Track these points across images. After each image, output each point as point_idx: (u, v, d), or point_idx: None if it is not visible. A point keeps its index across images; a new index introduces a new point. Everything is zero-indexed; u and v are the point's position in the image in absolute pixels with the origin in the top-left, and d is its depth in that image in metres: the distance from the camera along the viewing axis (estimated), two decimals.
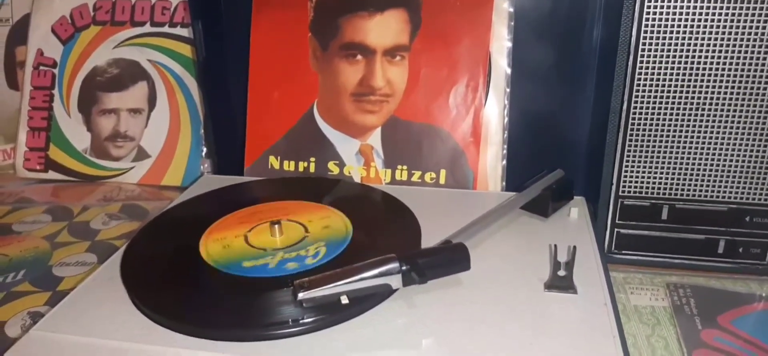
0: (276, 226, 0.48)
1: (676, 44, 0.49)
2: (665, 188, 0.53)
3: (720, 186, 0.53)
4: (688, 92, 0.50)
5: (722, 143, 0.51)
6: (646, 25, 0.49)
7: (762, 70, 0.48)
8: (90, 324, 0.40)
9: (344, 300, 0.39)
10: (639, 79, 0.50)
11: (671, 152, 0.52)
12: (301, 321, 0.39)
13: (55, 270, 0.58)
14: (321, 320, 0.39)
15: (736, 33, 0.48)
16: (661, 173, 0.53)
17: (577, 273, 0.43)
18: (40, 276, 0.57)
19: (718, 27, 0.48)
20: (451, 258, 0.43)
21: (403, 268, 0.40)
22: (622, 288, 0.53)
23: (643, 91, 0.51)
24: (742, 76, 0.49)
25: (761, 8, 0.47)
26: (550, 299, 0.42)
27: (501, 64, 0.61)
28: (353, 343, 0.38)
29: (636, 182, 0.54)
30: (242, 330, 0.39)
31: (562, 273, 0.43)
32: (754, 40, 0.48)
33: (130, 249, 0.49)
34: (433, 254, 0.43)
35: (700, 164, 0.52)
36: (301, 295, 0.38)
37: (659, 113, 0.51)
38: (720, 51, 0.49)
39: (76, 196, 0.74)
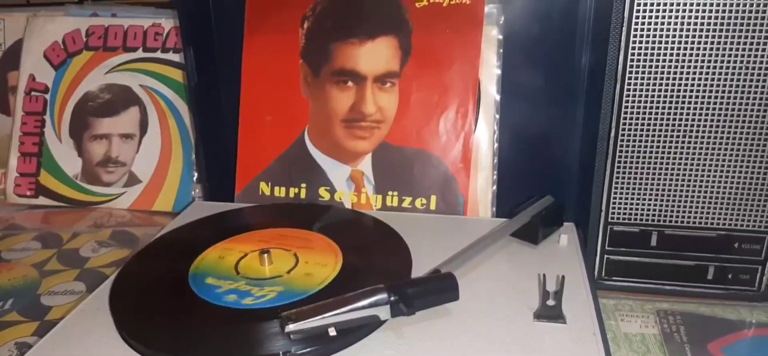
0: (265, 255, 0.48)
1: (663, 71, 0.49)
2: (654, 215, 0.54)
3: (709, 212, 0.53)
4: (675, 118, 0.50)
5: (710, 170, 0.51)
6: (633, 53, 0.49)
7: (748, 97, 0.49)
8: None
9: (332, 331, 0.39)
10: (626, 106, 0.51)
11: (660, 179, 0.52)
12: (288, 354, 0.38)
13: (43, 299, 0.57)
14: (308, 352, 0.39)
15: (722, 60, 0.48)
16: (650, 199, 0.53)
17: (567, 301, 0.43)
18: (28, 305, 0.56)
19: (703, 54, 0.48)
20: (440, 288, 0.43)
21: (392, 299, 0.40)
22: (612, 315, 0.53)
23: (631, 118, 0.51)
24: (728, 102, 0.49)
25: (745, 36, 0.47)
26: (539, 328, 0.41)
27: (490, 91, 0.61)
28: None
29: (625, 208, 0.54)
30: None
31: (551, 302, 0.43)
32: (740, 67, 0.48)
33: (120, 279, 0.48)
34: (422, 284, 0.43)
35: (688, 191, 0.52)
36: (288, 327, 0.38)
37: (647, 140, 0.51)
38: (706, 77, 0.49)
39: (66, 222, 0.74)
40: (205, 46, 0.66)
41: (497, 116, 0.61)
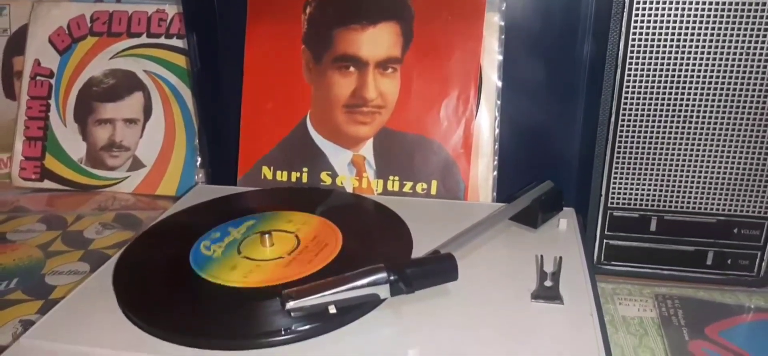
0: (266, 236, 0.48)
1: (663, 58, 0.50)
2: (654, 200, 0.54)
3: (708, 198, 0.53)
4: (675, 104, 0.51)
5: (710, 155, 0.52)
6: (633, 40, 0.50)
7: (748, 82, 0.49)
8: (80, 332, 0.40)
9: (332, 309, 0.39)
10: (627, 93, 0.51)
11: (659, 164, 0.53)
12: (289, 331, 0.39)
13: (47, 279, 0.58)
14: (308, 329, 0.39)
15: (722, 46, 0.49)
16: (650, 184, 0.54)
17: (565, 283, 0.43)
18: (32, 285, 0.57)
19: (703, 41, 0.49)
20: (439, 268, 0.43)
21: (391, 278, 0.41)
22: (610, 298, 0.53)
23: (631, 104, 0.51)
24: (728, 88, 0.50)
25: (746, 22, 0.48)
26: (537, 309, 0.42)
27: (492, 77, 0.61)
28: (340, 353, 0.38)
29: (625, 193, 0.54)
30: (230, 339, 0.39)
31: (548, 283, 0.43)
32: (740, 53, 0.48)
33: (123, 259, 0.49)
34: (421, 264, 0.43)
35: (688, 176, 0.53)
36: (289, 304, 0.39)
37: (647, 126, 0.52)
38: (706, 64, 0.49)
39: (70, 205, 0.75)
40: (208, 32, 0.67)
41: (498, 103, 0.62)
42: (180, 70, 0.77)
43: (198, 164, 0.76)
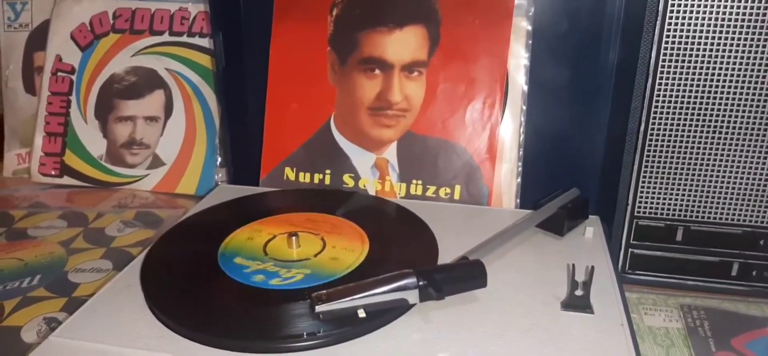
0: (293, 238, 0.48)
1: (695, 67, 0.49)
2: (680, 210, 0.54)
3: (735, 209, 0.53)
4: (705, 115, 0.50)
5: (738, 166, 0.51)
6: (666, 48, 0.49)
7: None
8: (109, 331, 0.41)
9: (361, 313, 0.39)
10: (657, 101, 0.51)
11: (687, 174, 0.52)
12: (317, 335, 0.39)
13: (70, 276, 0.58)
14: (338, 333, 0.39)
15: (754, 57, 0.48)
16: (677, 194, 0.53)
17: (593, 292, 0.43)
18: (55, 282, 0.57)
19: (735, 51, 0.48)
20: (469, 275, 0.43)
21: (421, 283, 0.40)
22: (635, 308, 0.53)
23: (661, 112, 0.51)
24: (759, 99, 0.49)
25: None
26: (567, 318, 0.42)
27: (518, 82, 0.61)
28: None
29: (651, 203, 0.54)
30: (259, 341, 0.39)
31: (579, 292, 0.43)
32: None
33: (150, 257, 0.49)
34: (451, 270, 0.43)
35: (715, 187, 0.52)
36: (318, 308, 0.39)
37: (676, 135, 0.51)
38: (737, 74, 0.49)
39: (90, 202, 0.75)
40: (233, 31, 0.67)
41: (524, 108, 0.61)
42: (202, 68, 0.77)
43: (218, 163, 0.76)
